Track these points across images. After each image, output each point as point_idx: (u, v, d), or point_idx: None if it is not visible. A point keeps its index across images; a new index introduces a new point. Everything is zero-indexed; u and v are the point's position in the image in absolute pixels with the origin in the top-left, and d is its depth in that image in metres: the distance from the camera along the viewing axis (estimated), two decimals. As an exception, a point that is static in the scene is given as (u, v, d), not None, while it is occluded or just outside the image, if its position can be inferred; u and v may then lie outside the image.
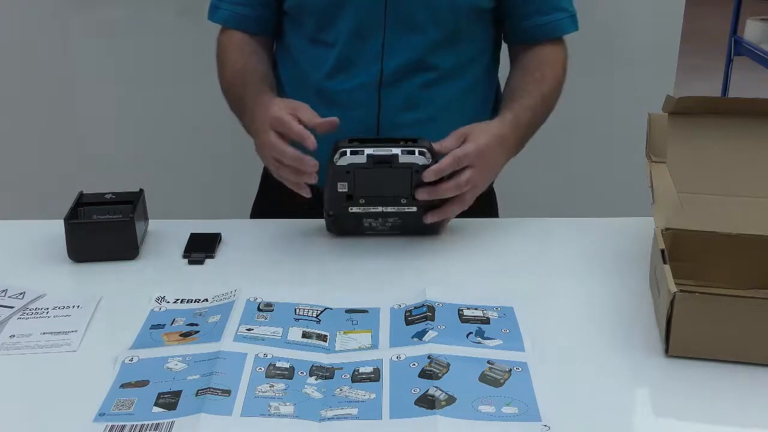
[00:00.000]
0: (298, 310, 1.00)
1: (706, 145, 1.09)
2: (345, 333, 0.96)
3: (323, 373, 0.88)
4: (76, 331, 0.97)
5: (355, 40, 1.25)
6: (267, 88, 1.26)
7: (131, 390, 0.86)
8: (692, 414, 0.84)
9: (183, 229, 1.20)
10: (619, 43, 2.04)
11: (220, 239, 1.19)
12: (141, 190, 1.20)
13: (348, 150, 1.10)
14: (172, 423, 0.80)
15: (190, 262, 1.14)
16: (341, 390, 0.85)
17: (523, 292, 1.05)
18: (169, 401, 0.83)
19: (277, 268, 1.13)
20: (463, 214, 1.17)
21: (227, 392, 0.84)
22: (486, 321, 0.98)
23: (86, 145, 2.10)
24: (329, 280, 1.09)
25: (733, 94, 4.32)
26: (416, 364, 0.88)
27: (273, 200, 1.44)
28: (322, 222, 1.20)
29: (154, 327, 0.98)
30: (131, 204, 1.16)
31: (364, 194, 1.13)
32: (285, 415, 0.81)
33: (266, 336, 0.94)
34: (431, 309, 0.99)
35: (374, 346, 0.94)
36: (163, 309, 1.02)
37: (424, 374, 0.87)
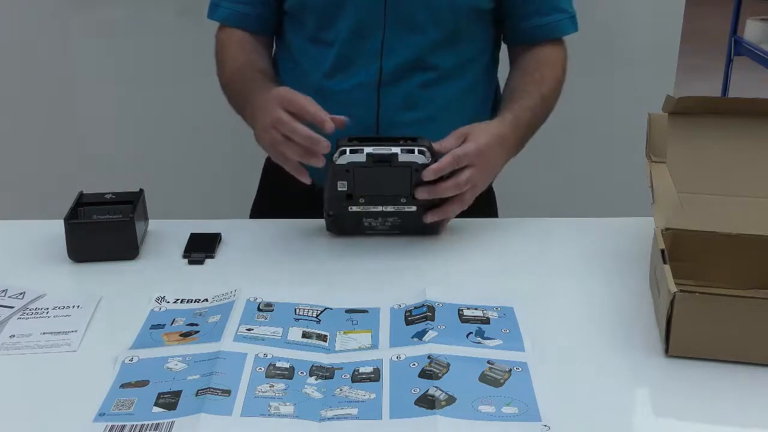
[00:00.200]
0: (298, 310, 1.00)
1: (706, 145, 1.09)
2: (345, 333, 0.96)
3: (323, 373, 0.88)
4: (76, 331, 0.97)
5: (355, 40, 1.26)
6: (269, 83, 1.26)
7: (131, 390, 0.86)
8: (692, 414, 0.84)
9: (183, 229, 1.20)
10: (619, 43, 2.04)
11: (220, 239, 1.19)
12: (141, 190, 1.20)
13: (347, 149, 1.09)
14: (172, 423, 0.80)
15: (190, 262, 1.14)
16: (341, 390, 0.85)
17: (523, 292, 1.05)
18: (169, 401, 0.83)
19: (277, 268, 1.13)
20: (463, 214, 1.17)
21: (227, 392, 0.84)
22: (486, 321, 0.98)
23: (86, 145, 2.10)
24: (329, 280, 1.09)
25: (733, 94, 4.32)
26: (416, 364, 0.88)
27: (273, 200, 1.44)
28: (322, 222, 1.20)
29: (154, 327, 0.98)
30: (131, 204, 1.16)
31: (363, 193, 1.13)
32: (285, 415, 0.81)
33: (266, 336, 0.94)
34: (431, 309, 0.99)
35: (374, 346, 0.94)
36: (163, 309, 1.02)
37: (424, 374, 0.87)
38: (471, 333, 0.95)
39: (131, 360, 0.91)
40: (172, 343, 0.94)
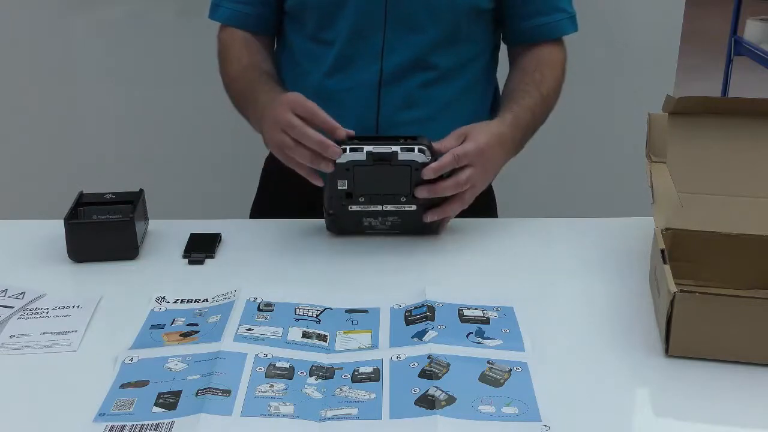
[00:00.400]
0: (298, 310, 1.00)
1: (706, 145, 1.09)
2: (345, 333, 0.96)
3: (323, 373, 0.88)
4: (76, 331, 0.97)
5: (356, 39, 1.26)
6: (275, 85, 1.26)
7: (131, 390, 0.86)
8: (692, 414, 0.84)
9: (183, 229, 1.20)
10: (619, 43, 2.04)
11: (220, 239, 1.19)
12: (141, 190, 1.20)
13: (348, 147, 1.10)
14: (172, 423, 0.80)
15: (190, 262, 1.14)
16: (341, 390, 0.85)
17: (523, 292, 1.05)
18: (169, 401, 0.83)
19: (277, 268, 1.13)
20: (463, 214, 1.17)
21: (227, 392, 0.84)
22: (486, 321, 0.98)
23: (86, 145, 2.10)
24: (329, 280, 1.09)
25: (733, 94, 4.32)
26: (416, 364, 0.88)
27: (273, 200, 1.44)
28: (322, 222, 1.20)
29: (154, 327, 0.98)
30: (131, 204, 1.16)
31: (363, 192, 1.13)
32: (285, 415, 0.81)
33: (266, 336, 0.94)
34: (431, 309, 0.99)
35: (374, 346, 0.94)
36: (163, 309, 1.02)
37: (424, 374, 0.87)
38: (471, 333, 0.95)
39: (131, 360, 0.91)
40: (172, 343, 0.94)
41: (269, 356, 0.90)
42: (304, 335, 0.95)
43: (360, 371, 0.88)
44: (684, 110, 1.09)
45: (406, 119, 1.28)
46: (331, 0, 1.25)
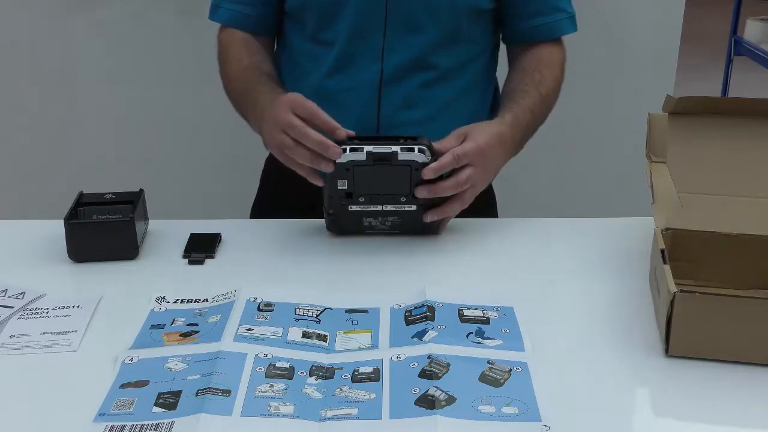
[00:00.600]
0: (298, 310, 1.00)
1: (706, 145, 1.09)
2: (345, 333, 0.96)
3: (323, 373, 0.88)
4: (76, 331, 0.97)
5: (356, 39, 1.26)
6: (276, 86, 1.26)
7: (131, 390, 0.86)
8: (692, 414, 0.84)
9: (183, 229, 1.20)
10: (619, 43, 2.04)
11: (220, 239, 1.19)
12: (141, 190, 1.20)
13: (348, 147, 1.10)
14: (172, 423, 0.80)
15: (190, 262, 1.14)
16: (341, 390, 0.85)
17: (523, 292, 1.05)
18: (169, 401, 0.83)
19: (277, 268, 1.13)
20: (463, 214, 1.17)
21: (227, 392, 0.84)
22: (486, 321, 0.98)
23: (86, 145, 2.10)
24: (329, 280, 1.09)
25: (733, 94, 4.32)
26: (416, 364, 0.88)
27: (273, 200, 1.44)
28: (322, 222, 1.20)
29: (154, 327, 0.98)
30: (131, 204, 1.16)
31: (363, 192, 1.13)
32: (285, 415, 0.81)
33: (266, 336, 0.94)
34: (431, 309, 0.99)
35: (374, 346, 0.94)
36: (163, 309, 1.02)
37: (424, 374, 0.87)
38: (471, 333, 0.95)
39: (131, 360, 0.91)
40: (172, 343, 0.94)
41: (269, 356, 0.90)
42: (304, 335, 0.95)
43: (360, 371, 0.88)
44: (684, 110, 1.09)
45: (406, 119, 1.28)
46: (331, 0, 1.25)
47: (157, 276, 1.11)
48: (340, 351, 0.93)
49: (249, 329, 0.95)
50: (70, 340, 0.95)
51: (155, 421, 0.80)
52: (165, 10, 2.00)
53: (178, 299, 1.04)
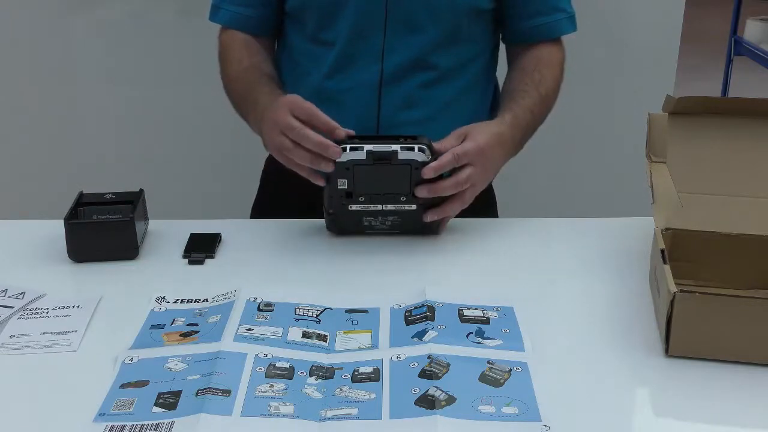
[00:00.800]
0: (298, 310, 1.00)
1: (706, 145, 1.09)
2: (345, 333, 0.96)
3: (323, 373, 0.88)
4: (76, 331, 0.97)
5: (356, 40, 1.26)
6: (275, 87, 1.26)
7: (131, 390, 0.86)
8: (692, 414, 0.84)
9: (183, 229, 1.20)
10: (619, 43, 2.04)
11: (220, 239, 1.19)
12: (141, 190, 1.20)
13: (348, 146, 1.10)
14: (172, 423, 0.80)
15: (190, 262, 1.14)
16: (341, 390, 0.85)
17: (523, 292, 1.05)
18: (169, 401, 0.83)
19: (277, 268, 1.13)
20: (463, 214, 1.18)
21: (227, 392, 0.84)
22: (486, 321, 0.98)
23: (86, 145, 2.10)
24: (329, 280, 1.09)
25: (733, 94, 4.32)
26: (416, 364, 0.88)
27: (273, 200, 1.44)
28: (322, 222, 1.20)
29: (154, 327, 0.98)
30: (131, 204, 1.16)
31: (363, 192, 1.13)
32: (285, 415, 0.81)
33: (266, 336, 0.94)
34: (431, 309, 0.99)
35: (374, 346, 0.94)
36: (163, 309, 1.02)
37: (424, 374, 0.87)
38: (471, 333, 0.95)
39: (131, 360, 0.91)
40: (172, 343, 0.94)
41: (269, 356, 0.90)
42: (304, 335, 0.95)
43: (360, 371, 0.88)
44: (684, 110, 1.09)
45: (406, 119, 1.28)
46: (331, 0, 1.25)
47: (157, 276, 1.11)
48: (340, 351, 0.93)
49: (249, 329, 0.95)
50: (70, 340, 0.95)
51: (155, 421, 0.80)
52: (165, 10, 2.00)
53: (178, 299, 1.04)
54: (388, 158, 1.10)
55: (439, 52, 1.27)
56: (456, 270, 1.12)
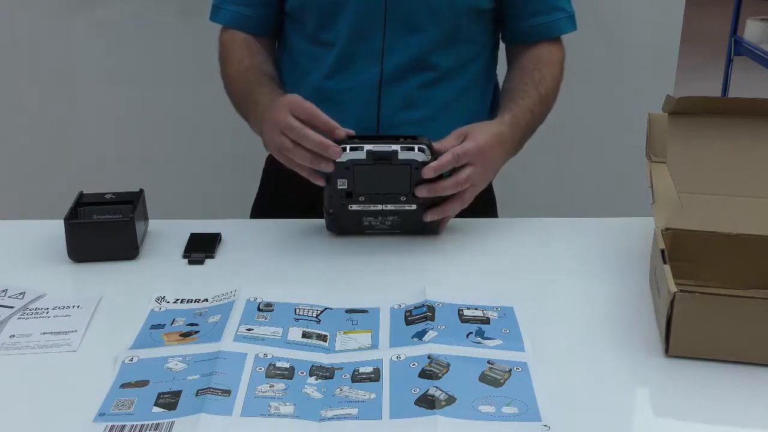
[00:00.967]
0: (298, 310, 1.00)
1: (706, 145, 1.09)
2: (345, 333, 0.96)
3: (323, 373, 0.88)
4: (76, 331, 0.97)
5: (356, 40, 1.26)
6: (276, 87, 1.27)
7: (131, 390, 0.86)
8: (692, 414, 0.84)
9: (183, 229, 1.20)
10: (619, 43, 2.04)
11: (220, 239, 1.19)
12: (141, 190, 1.20)
13: (348, 146, 1.10)
14: (172, 423, 0.80)
15: (190, 262, 1.14)
16: (341, 390, 0.85)
17: (523, 292, 1.05)
18: (169, 401, 0.83)
19: (277, 268, 1.13)
20: (462, 214, 1.18)
21: (227, 392, 0.84)
22: (486, 321, 0.98)
23: (86, 145, 2.10)
24: (329, 280, 1.09)
25: (733, 94, 4.32)
26: (416, 364, 0.88)
27: (273, 200, 1.44)
28: (322, 222, 1.20)
29: (154, 327, 0.98)
30: (131, 204, 1.16)
31: (363, 191, 1.13)
32: (285, 415, 0.81)
33: (266, 336, 0.94)
34: (431, 309, 0.99)
35: (374, 346, 0.94)
36: (163, 309, 1.02)
37: (424, 374, 0.87)
38: (471, 333, 0.95)
39: (131, 360, 0.91)
40: (172, 343, 0.94)
41: (269, 356, 0.90)
42: (304, 335, 0.95)
43: (360, 371, 0.88)
44: (684, 110, 1.09)
45: (406, 120, 1.28)
46: (330, 0, 1.25)
47: (157, 276, 1.11)
48: (340, 351, 0.93)
49: (249, 329, 0.95)
50: (70, 340, 0.95)
51: (155, 421, 0.80)
52: (165, 10, 2.00)
53: (178, 299, 1.04)
54: (388, 158, 1.10)
55: (438, 52, 1.27)
56: (456, 270, 1.12)
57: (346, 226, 1.19)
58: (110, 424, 0.80)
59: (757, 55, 4.14)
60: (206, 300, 1.03)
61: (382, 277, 1.10)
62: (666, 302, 0.89)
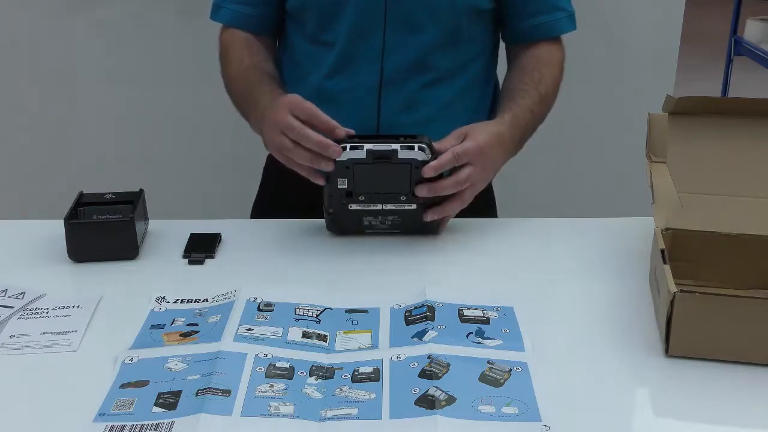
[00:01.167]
0: (298, 310, 1.00)
1: (706, 145, 1.09)
2: (345, 333, 0.96)
3: (323, 373, 0.88)
4: (76, 331, 0.97)
5: (356, 40, 1.26)
6: (276, 87, 1.27)
7: (131, 390, 0.86)
8: (692, 414, 0.84)
9: (183, 229, 1.20)
10: (619, 43, 2.04)
11: (220, 239, 1.19)
12: (141, 190, 1.20)
13: (348, 145, 1.10)
14: (172, 423, 0.80)
15: (190, 262, 1.14)
16: (341, 390, 0.85)
17: (523, 292, 1.05)
18: (169, 401, 0.83)
19: (277, 268, 1.13)
20: (462, 214, 1.18)
21: (227, 392, 0.84)
22: (486, 321, 0.98)
23: (86, 145, 2.10)
24: (329, 280, 1.09)
25: (733, 94, 4.32)
26: (416, 364, 0.88)
27: (274, 199, 1.44)
28: (322, 222, 1.20)
29: (154, 327, 0.98)
30: (131, 204, 1.16)
31: (363, 191, 1.13)
32: (285, 415, 0.81)
33: (266, 336, 0.94)
34: (431, 309, 0.99)
35: (374, 346, 0.94)
36: (163, 309, 1.02)
37: (424, 374, 0.87)
38: (471, 333, 0.95)
39: (131, 360, 0.91)
40: (172, 343, 0.94)
41: (269, 356, 0.90)
42: (304, 335, 0.95)
43: (360, 371, 0.88)
44: (684, 110, 1.09)
45: (406, 121, 1.28)
46: (331, 0, 1.25)
47: (157, 276, 1.11)
48: (340, 351, 0.93)
49: (249, 329, 0.95)
50: (70, 340, 0.95)
51: (155, 421, 0.80)
52: (165, 10, 2.00)
53: (178, 299, 1.04)
54: (388, 157, 1.10)
55: (439, 53, 1.27)
56: (456, 270, 1.12)
57: (346, 226, 1.19)
58: (110, 424, 0.80)
59: (757, 55, 4.14)
60: (206, 300, 1.03)
61: (382, 277, 1.10)
62: (666, 302, 0.89)
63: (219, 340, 0.93)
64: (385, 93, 1.28)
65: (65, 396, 0.86)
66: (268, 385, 0.86)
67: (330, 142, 1.09)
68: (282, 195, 1.40)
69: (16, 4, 1.99)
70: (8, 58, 2.02)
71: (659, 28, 2.03)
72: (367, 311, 1.01)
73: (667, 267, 0.93)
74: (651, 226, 1.05)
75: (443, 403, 0.82)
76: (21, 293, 1.05)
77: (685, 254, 1.03)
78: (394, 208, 1.15)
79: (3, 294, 1.04)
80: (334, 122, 1.11)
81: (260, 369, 0.88)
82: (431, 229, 1.19)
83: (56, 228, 1.13)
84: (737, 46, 4.32)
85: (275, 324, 0.97)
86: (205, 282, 1.08)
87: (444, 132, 1.16)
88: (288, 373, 0.88)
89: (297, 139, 1.10)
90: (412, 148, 1.10)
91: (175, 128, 2.09)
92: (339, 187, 1.12)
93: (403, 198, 1.13)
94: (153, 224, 1.22)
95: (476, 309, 1.00)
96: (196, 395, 0.84)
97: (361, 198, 1.14)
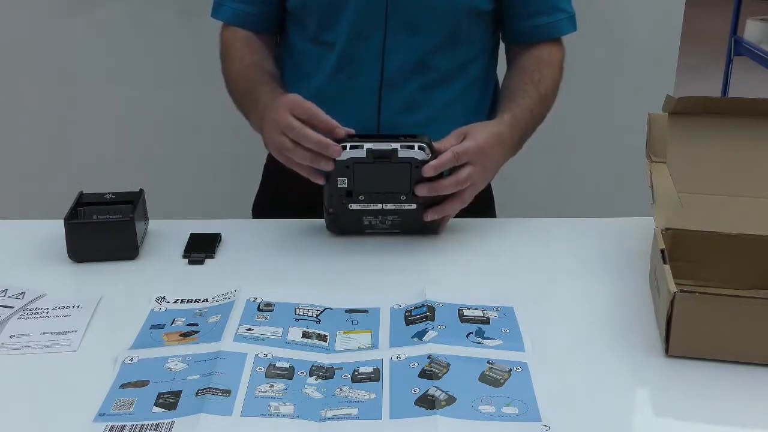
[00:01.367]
0: (298, 310, 1.00)
1: (706, 145, 1.09)
2: (345, 333, 0.96)
3: (323, 373, 0.88)
4: (76, 331, 0.97)
5: (356, 41, 1.26)
6: (277, 86, 1.27)
7: (131, 390, 0.86)
8: (692, 414, 0.84)
9: (183, 229, 1.20)
10: (619, 43, 2.04)
11: (220, 239, 1.19)
12: (141, 190, 1.20)
13: (348, 145, 1.10)
14: (172, 423, 0.80)
15: (190, 262, 1.14)
16: (341, 390, 0.85)
17: (523, 292, 1.05)
18: (169, 401, 0.83)
19: (277, 268, 1.13)
20: (461, 214, 1.18)
21: (227, 392, 0.84)
22: (486, 321, 0.98)
23: (86, 145, 2.10)
24: (329, 280, 1.09)
25: (733, 94, 4.32)
26: (416, 364, 0.88)
27: (274, 198, 1.44)
28: (322, 222, 1.20)
29: (154, 327, 0.98)
30: (131, 204, 1.16)
31: (363, 190, 1.13)
32: (285, 415, 0.81)
33: (266, 336, 0.94)
34: (431, 309, 0.99)
35: (374, 346, 0.94)
36: (163, 309, 1.02)
37: (424, 374, 0.87)
38: (471, 333, 0.95)
39: (131, 360, 0.91)
40: (172, 343, 0.94)
41: (269, 356, 0.90)
42: (304, 335, 0.95)
43: (360, 371, 0.88)
44: (684, 110, 1.09)
45: (406, 122, 1.28)
46: (331, 0, 1.25)
47: (157, 276, 1.11)
48: (340, 351, 0.93)
49: (249, 329, 0.95)
50: (70, 340, 0.95)
51: (155, 421, 0.80)
52: (165, 10, 2.00)
53: (178, 299, 1.04)
54: (388, 156, 1.10)
55: (439, 54, 1.27)
56: (456, 270, 1.12)
57: (346, 226, 1.19)
58: (110, 424, 0.80)
59: (757, 55, 4.14)
60: (206, 300, 1.03)
61: (382, 277, 1.10)
62: (666, 302, 0.89)
63: (219, 340, 0.93)
64: (386, 94, 1.28)
65: (65, 396, 0.86)
66: (268, 385, 0.86)
67: (330, 141, 1.09)
68: (282, 194, 1.40)
69: (16, 4, 1.99)
70: (8, 58, 2.02)
71: (659, 28, 2.03)
72: (367, 311, 1.01)
73: (667, 267, 0.93)
74: (651, 226, 1.05)
75: (443, 403, 0.82)
76: (21, 293, 1.05)
77: (685, 254, 1.03)
78: (394, 207, 1.15)
79: (3, 294, 1.04)
80: (334, 122, 1.11)
81: (260, 369, 0.88)
82: (431, 229, 1.19)
83: (56, 228, 1.13)
84: (737, 46, 4.32)
85: (275, 324, 0.97)
86: (205, 282, 1.08)
87: (444, 133, 1.16)
88: (288, 373, 0.88)
89: (297, 139, 1.10)
90: (412, 147, 1.10)
91: (175, 128, 2.09)
92: (339, 186, 1.12)
93: (403, 198, 1.13)
94: (153, 224, 1.22)
95: (476, 309, 1.00)
96: (196, 395, 0.84)
97: (361, 197, 1.14)
